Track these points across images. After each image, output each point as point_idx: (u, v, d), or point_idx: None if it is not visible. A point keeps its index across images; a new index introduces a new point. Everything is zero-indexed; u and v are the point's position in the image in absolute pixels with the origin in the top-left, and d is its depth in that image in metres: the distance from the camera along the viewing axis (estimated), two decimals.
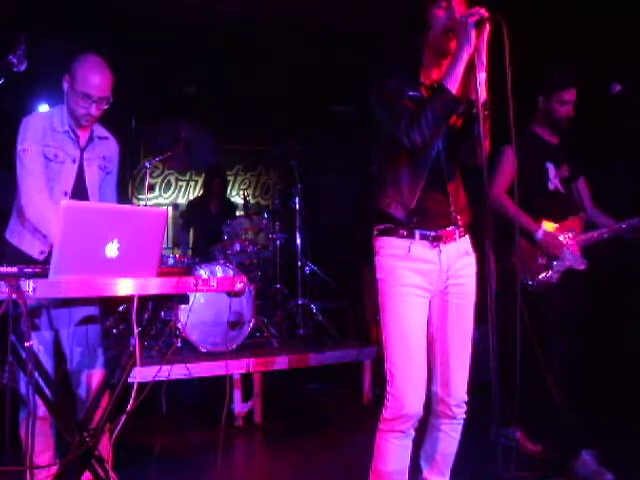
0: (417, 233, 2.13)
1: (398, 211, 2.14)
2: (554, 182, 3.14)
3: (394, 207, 2.15)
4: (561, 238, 3.06)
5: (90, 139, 2.62)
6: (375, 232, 2.22)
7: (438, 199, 2.16)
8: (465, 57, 1.99)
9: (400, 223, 2.14)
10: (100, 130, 2.69)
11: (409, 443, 2.19)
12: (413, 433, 2.18)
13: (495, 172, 3.13)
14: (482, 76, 2.03)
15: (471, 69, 2.02)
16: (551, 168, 3.14)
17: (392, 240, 2.16)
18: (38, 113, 2.57)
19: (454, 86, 2.00)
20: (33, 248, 2.50)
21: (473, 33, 1.97)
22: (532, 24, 3.98)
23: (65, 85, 2.52)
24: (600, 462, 2.92)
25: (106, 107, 2.53)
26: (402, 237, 2.14)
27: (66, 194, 2.53)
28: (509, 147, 3.07)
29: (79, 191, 2.57)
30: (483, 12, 1.97)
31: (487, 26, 1.98)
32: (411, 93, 2.12)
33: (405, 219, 2.13)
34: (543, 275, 3.04)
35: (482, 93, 2.04)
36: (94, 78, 2.45)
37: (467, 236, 2.24)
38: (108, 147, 2.71)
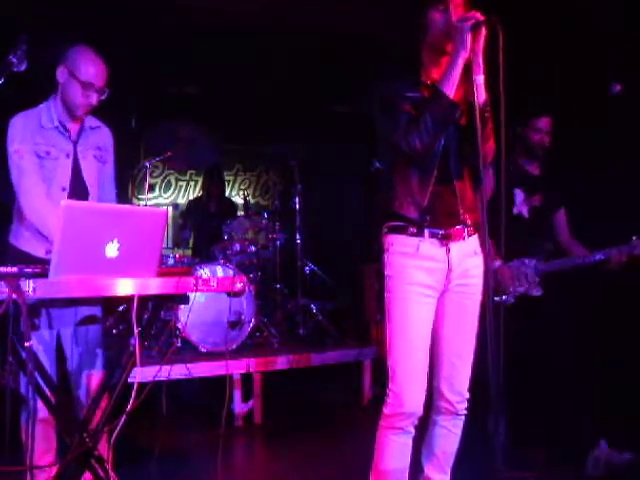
0: (426, 231, 2.15)
1: (411, 211, 2.16)
2: (519, 207, 3.29)
3: (406, 207, 2.17)
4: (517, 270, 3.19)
5: (81, 130, 2.57)
6: (385, 229, 2.23)
7: (446, 198, 2.17)
8: (461, 61, 2.02)
9: (412, 222, 2.15)
10: (91, 120, 2.63)
11: (409, 441, 2.20)
12: (413, 431, 2.19)
13: None
14: (480, 78, 2.05)
15: (469, 72, 2.04)
16: (519, 194, 3.27)
17: (402, 238, 2.17)
18: (24, 112, 2.49)
19: (451, 90, 2.04)
20: (36, 248, 2.47)
21: (469, 37, 1.98)
22: (530, 25, 3.95)
23: (62, 76, 2.48)
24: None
25: (103, 98, 2.52)
26: (412, 235, 2.16)
27: (64, 189, 2.49)
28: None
29: (77, 185, 2.53)
30: (479, 16, 1.98)
31: (483, 30, 1.99)
32: (410, 94, 2.14)
33: (418, 218, 2.15)
34: (498, 298, 3.17)
35: (480, 95, 2.05)
36: (96, 67, 2.48)
37: (476, 235, 2.24)
38: (101, 136, 2.66)
